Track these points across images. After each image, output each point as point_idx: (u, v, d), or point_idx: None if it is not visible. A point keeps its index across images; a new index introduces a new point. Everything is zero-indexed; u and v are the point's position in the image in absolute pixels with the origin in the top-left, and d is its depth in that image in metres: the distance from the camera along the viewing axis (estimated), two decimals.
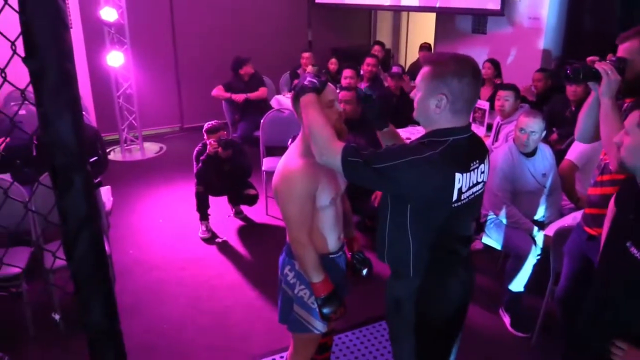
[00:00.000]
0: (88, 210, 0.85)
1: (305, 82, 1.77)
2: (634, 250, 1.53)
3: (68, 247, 0.86)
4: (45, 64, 0.81)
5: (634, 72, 1.93)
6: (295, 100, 1.83)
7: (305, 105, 1.73)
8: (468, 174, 1.61)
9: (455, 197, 1.58)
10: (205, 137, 4.06)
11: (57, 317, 2.97)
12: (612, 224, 1.77)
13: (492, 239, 3.25)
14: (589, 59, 2.00)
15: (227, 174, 4.13)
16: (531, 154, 3.10)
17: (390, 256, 1.75)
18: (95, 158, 3.54)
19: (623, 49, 1.98)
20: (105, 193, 3.63)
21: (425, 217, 1.63)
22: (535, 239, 3.04)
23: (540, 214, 3.24)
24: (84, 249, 0.86)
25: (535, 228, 3.09)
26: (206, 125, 4.06)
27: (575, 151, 3.29)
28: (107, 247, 3.11)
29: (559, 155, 3.49)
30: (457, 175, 1.57)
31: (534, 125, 3.00)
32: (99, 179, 3.96)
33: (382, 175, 1.55)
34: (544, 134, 3.10)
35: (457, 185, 1.57)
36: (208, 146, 3.96)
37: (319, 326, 2.03)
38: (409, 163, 1.53)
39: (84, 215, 0.85)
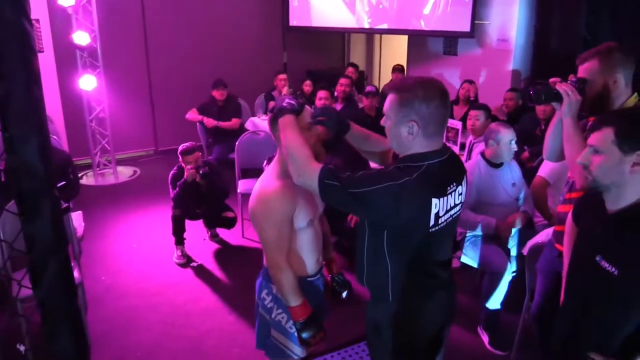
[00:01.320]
0: (55, 236, 0.83)
1: (284, 104, 1.76)
2: (604, 263, 1.55)
3: (35, 275, 0.83)
4: (11, 88, 0.80)
5: (594, 91, 2.00)
6: (273, 122, 1.82)
7: (284, 127, 1.72)
8: (445, 198, 1.61)
9: (432, 222, 1.58)
10: (180, 159, 4.02)
11: (22, 348, 2.87)
12: (577, 241, 1.80)
13: (469, 257, 3.27)
14: (551, 80, 2.06)
15: (204, 196, 4.09)
16: (499, 165, 3.18)
17: (369, 280, 1.74)
18: (64, 182, 3.46)
19: (583, 70, 2.04)
20: (77, 218, 3.55)
21: (402, 242, 1.62)
22: (510, 251, 3.09)
23: (513, 230, 3.28)
24: (51, 277, 0.83)
25: (510, 241, 3.13)
26: (181, 147, 4.03)
27: (546, 168, 3.36)
28: (78, 274, 3.03)
29: (531, 172, 3.56)
30: (434, 201, 1.57)
31: (513, 133, 3.13)
32: (68, 203, 3.87)
33: (357, 200, 1.54)
34: None
35: (433, 211, 1.57)
36: (185, 172, 3.92)
37: (298, 351, 2.00)
38: (384, 189, 1.52)
39: (51, 242, 0.82)
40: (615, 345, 1.61)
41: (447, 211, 1.63)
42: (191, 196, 4.02)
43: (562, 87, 1.98)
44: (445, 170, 1.63)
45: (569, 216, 1.93)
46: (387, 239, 1.62)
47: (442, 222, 1.62)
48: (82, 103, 5.95)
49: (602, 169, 1.56)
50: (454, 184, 1.66)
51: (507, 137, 3.09)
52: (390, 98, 1.62)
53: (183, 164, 4.02)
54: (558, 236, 2.27)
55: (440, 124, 1.60)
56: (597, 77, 1.99)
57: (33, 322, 2.86)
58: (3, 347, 2.93)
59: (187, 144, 4.06)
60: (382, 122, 1.67)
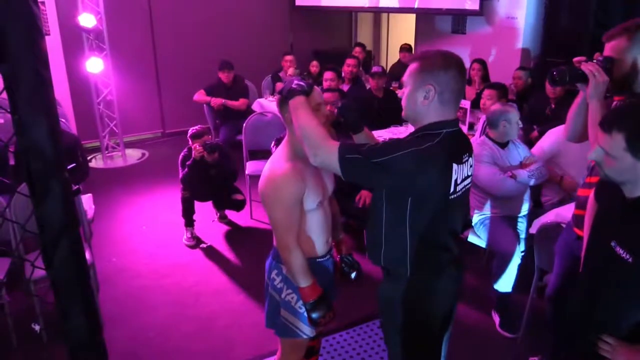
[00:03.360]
0: (67, 217, 0.83)
1: (294, 85, 1.76)
2: (619, 250, 1.53)
3: (47, 256, 0.84)
4: (19, 70, 0.80)
5: (621, 71, 1.89)
6: (283, 103, 1.82)
7: (295, 108, 1.72)
8: (461, 165, 1.65)
9: (452, 188, 1.61)
10: (190, 142, 4.02)
11: (37, 327, 2.92)
12: (594, 223, 1.77)
13: (482, 239, 3.28)
14: (576, 59, 1.96)
15: (214, 179, 4.10)
16: (505, 144, 3.19)
17: (387, 256, 1.74)
18: (74, 165, 3.48)
19: (610, 48, 1.92)
20: (87, 201, 3.58)
21: (425, 209, 1.63)
22: (519, 230, 3.09)
23: (524, 211, 3.27)
24: (63, 257, 0.84)
25: (520, 224, 3.13)
26: (190, 131, 4.03)
27: (546, 142, 3.37)
28: (89, 256, 3.06)
29: None
30: (454, 166, 1.60)
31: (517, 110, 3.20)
32: (78, 186, 3.90)
33: (382, 168, 1.55)
34: None
35: (454, 176, 1.61)
36: (193, 151, 3.93)
37: (307, 331, 2.02)
38: (409, 154, 1.54)
39: (62, 223, 0.83)
40: (625, 329, 1.61)
41: (462, 180, 1.67)
42: (200, 179, 4.03)
43: (588, 68, 1.89)
44: (459, 140, 1.68)
45: (591, 196, 1.89)
46: (411, 207, 1.62)
47: (459, 191, 1.66)
48: (90, 86, 5.95)
49: (614, 171, 1.52)
50: (467, 154, 1.70)
51: (516, 116, 3.13)
52: (411, 66, 1.66)
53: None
54: (577, 220, 2.21)
55: (455, 94, 1.63)
56: (625, 55, 1.87)
57: (47, 302, 2.91)
58: (18, 327, 2.98)
59: (197, 127, 4.06)
60: (400, 93, 1.69)
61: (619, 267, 1.55)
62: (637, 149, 1.46)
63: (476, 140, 3.87)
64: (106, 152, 6.27)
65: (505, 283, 3.04)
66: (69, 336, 0.90)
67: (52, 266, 0.85)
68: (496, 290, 3.11)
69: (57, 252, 0.84)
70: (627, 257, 1.51)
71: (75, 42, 5.80)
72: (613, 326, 1.63)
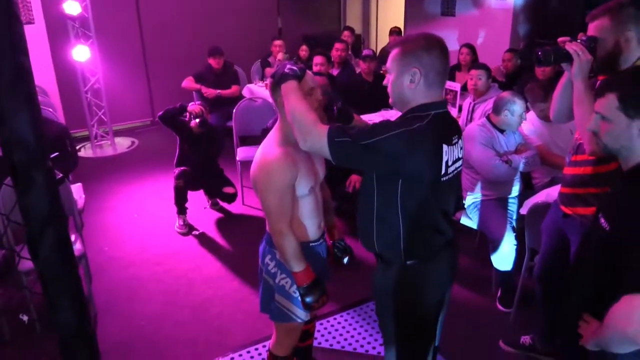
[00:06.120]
0: (51, 207, 0.82)
1: (286, 70, 1.75)
2: (602, 221, 1.54)
3: (32, 247, 0.83)
4: None
5: (605, 51, 1.92)
6: (275, 88, 1.81)
7: (287, 93, 1.71)
8: (451, 147, 1.64)
9: (443, 170, 1.60)
10: (189, 106, 4.01)
11: (25, 318, 2.91)
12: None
13: (473, 221, 3.30)
14: (560, 39, 1.99)
15: (199, 141, 4.10)
16: (504, 129, 3.19)
17: (379, 242, 1.74)
18: (61, 154, 3.45)
19: (593, 27, 1.96)
20: (77, 190, 3.55)
21: (416, 192, 1.62)
22: (510, 211, 3.14)
23: (515, 192, 3.28)
24: (49, 247, 0.83)
25: (510, 200, 3.20)
26: (192, 106, 4.03)
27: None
28: (80, 246, 3.05)
29: None
30: (444, 147, 1.59)
31: (525, 104, 3.16)
32: (67, 175, 3.87)
33: (372, 150, 1.54)
34: None
35: (444, 158, 1.60)
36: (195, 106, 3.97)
37: (301, 314, 2.03)
38: (399, 134, 1.53)
39: (47, 213, 0.82)
40: (605, 303, 1.59)
41: (453, 162, 1.66)
42: (186, 140, 4.04)
43: (572, 47, 1.91)
44: (448, 122, 1.67)
45: None
46: (401, 190, 1.61)
47: (450, 173, 1.65)
48: (77, 74, 5.88)
49: (610, 135, 1.53)
50: (456, 136, 1.69)
51: (521, 109, 3.10)
52: (392, 52, 1.65)
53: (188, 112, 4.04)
54: (564, 198, 2.24)
55: (440, 74, 1.62)
56: (608, 35, 1.90)
57: (35, 292, 2.90)
58: (9, 318, 2.97)
59: (198, 103, 4.10)
60: (385, 81, 1.68)
61: (601, 239, 1.55)
62: (630, 107, 1.48)
63: (464, 124, 3.88)
64: (95, 141, 6.21)
65: (502, 262, 3.05)
66: (58, 327, 0.89)
67: (38, 257, 0.84)
68: (497, 269, 3.14)
69: (43, 243, 0.83)
70: (605, 225, 1.52)
71: (61, 30, 5.71)
72: (590, 302, 1.62)
